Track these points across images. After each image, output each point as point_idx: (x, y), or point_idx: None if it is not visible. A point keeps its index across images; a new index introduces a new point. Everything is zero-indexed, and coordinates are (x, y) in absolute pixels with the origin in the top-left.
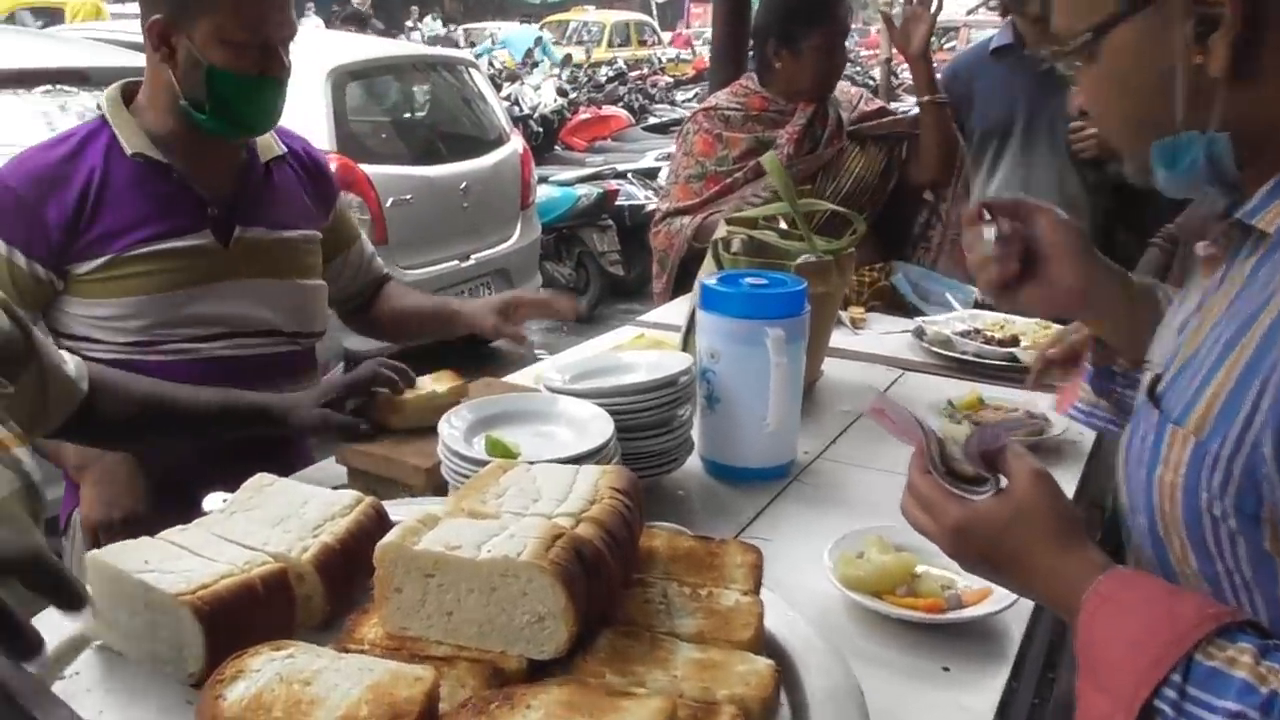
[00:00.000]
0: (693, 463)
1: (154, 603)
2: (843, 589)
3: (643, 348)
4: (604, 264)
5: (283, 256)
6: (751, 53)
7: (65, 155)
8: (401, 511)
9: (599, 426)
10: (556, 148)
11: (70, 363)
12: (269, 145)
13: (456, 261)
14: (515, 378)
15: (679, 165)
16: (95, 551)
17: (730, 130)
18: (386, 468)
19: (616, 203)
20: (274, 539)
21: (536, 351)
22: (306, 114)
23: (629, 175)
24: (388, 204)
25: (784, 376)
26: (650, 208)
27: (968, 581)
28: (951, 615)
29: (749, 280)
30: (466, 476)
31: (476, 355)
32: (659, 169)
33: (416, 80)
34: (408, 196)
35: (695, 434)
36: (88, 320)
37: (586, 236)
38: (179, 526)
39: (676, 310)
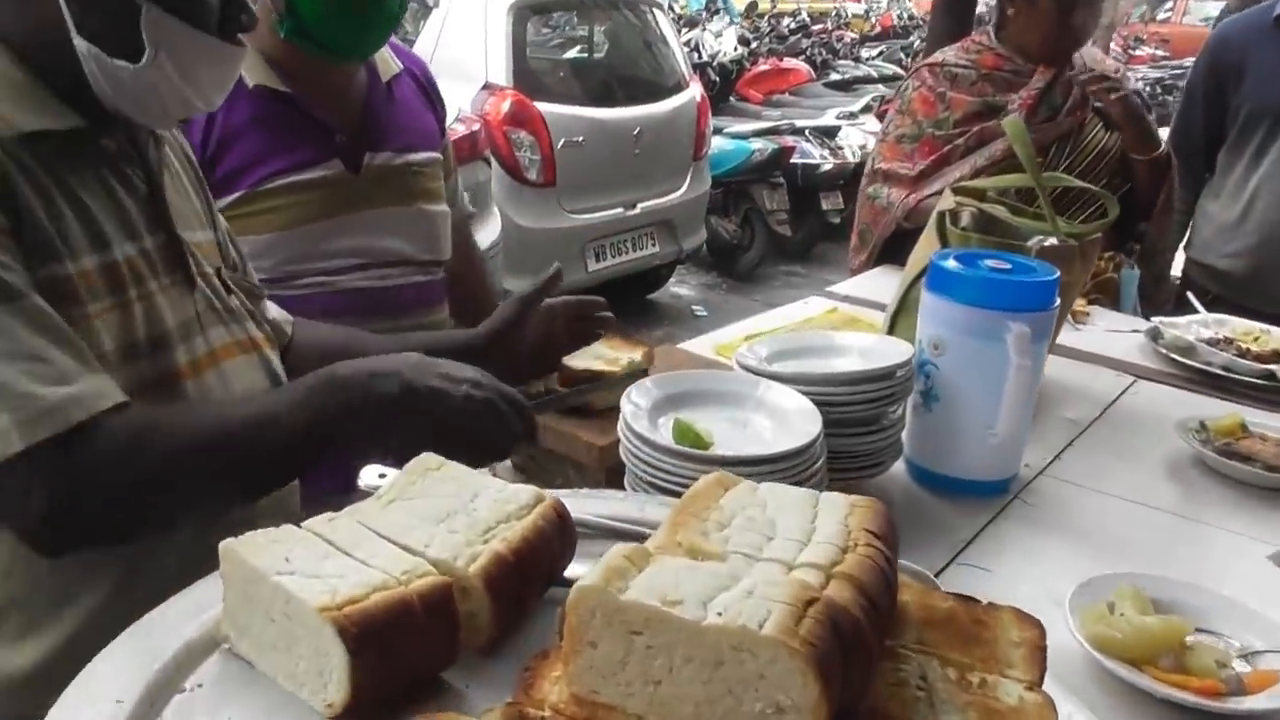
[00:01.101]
0: (897, 466)
1: (293, 613)
2: (1092, 650)
3: (837, 325)
4: (771, 223)
5: (411, 181)
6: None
7: None
8: (576, 505)
9: (804, 421)
10: (731, 98)
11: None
12: (387, 63)
13: (622, 209)
14: (689, 346)
15: (892, 123)
16: (230, 541)
17: (956, 90)
18: (556, 441)
19: (791, 160)
20: (438, 540)
21: (694, 308)
22: (487, 47)
23: (806, 132)
24: (559, 145)
25: (1023, 380)
26: (825, 168)
27: (1249, 660)
28: (1232, 704)
29: (988, 262)
30: (647, 463)
31: (627, 310)
32: (838, 128)
33: (598, 19)
34: (579, 139)
35: (904, 434)
36: None
37: (756, 193)
38: (327, 515)
39: (875, 284)
